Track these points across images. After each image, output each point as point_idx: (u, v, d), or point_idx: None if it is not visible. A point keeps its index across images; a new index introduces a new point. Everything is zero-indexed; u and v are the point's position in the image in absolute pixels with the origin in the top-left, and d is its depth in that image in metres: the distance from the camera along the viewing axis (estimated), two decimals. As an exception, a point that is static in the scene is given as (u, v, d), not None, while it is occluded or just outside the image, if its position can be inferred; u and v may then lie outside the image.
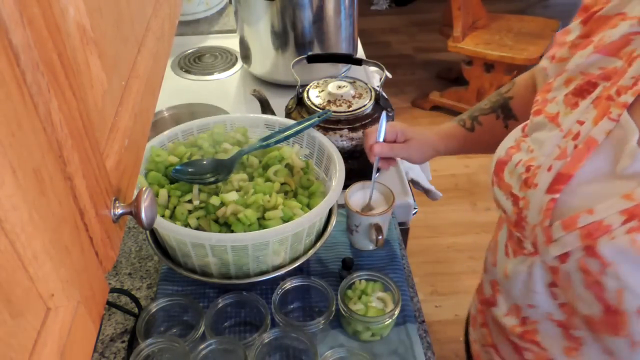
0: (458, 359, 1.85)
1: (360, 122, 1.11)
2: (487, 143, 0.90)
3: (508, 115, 0.91)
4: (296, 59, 1.20)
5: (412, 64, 3.51)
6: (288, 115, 1.16)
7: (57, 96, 0.34)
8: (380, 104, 1.14)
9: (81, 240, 0.38)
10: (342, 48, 1.46)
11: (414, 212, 1.16)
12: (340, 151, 0.99)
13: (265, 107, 1.21)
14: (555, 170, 0.61)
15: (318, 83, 1.19)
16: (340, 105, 1.12)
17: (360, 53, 1.63)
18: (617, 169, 0.57)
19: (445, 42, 2.83)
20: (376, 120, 1.11)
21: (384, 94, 1.16)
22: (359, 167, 1.10)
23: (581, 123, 0.61)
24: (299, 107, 1.15)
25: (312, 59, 1.23)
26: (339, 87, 1.15)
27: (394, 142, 0.95)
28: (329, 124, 1.10)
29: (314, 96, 1.15)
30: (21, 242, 0.31)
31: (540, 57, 2.62)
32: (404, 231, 1.14)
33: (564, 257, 0.61)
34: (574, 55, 0.66)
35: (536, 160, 0.64)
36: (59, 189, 0.35)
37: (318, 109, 1.11)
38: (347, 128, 1.10)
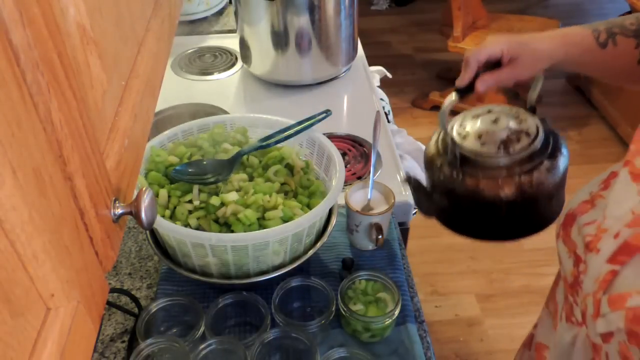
0: (458, 359, 1.86)
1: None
2: (608, 68, 0.76)
3: None
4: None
5: (412, 64, 3.50)
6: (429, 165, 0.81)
7: (57, 96, 0.34)
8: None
9: (81, 240, 0.38)
10: (342, 48, 1.46)
11: (414, 212, 1.16)
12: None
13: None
14: (623, 238, 0.52)
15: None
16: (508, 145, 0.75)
17: (360, 53, 1.63)
18: None
19: (445, 42, 2.83)
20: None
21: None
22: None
23: None
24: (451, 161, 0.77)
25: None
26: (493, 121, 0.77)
27: (499, 61, 0.74)
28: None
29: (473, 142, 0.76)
30: (21, 242, 0.31)
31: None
32: (404, 231, 1.14)
33: (607, 336, 0.53)
34: None
35: (605, 222, 0.55)
36: (59, 188, 0.35)
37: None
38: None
